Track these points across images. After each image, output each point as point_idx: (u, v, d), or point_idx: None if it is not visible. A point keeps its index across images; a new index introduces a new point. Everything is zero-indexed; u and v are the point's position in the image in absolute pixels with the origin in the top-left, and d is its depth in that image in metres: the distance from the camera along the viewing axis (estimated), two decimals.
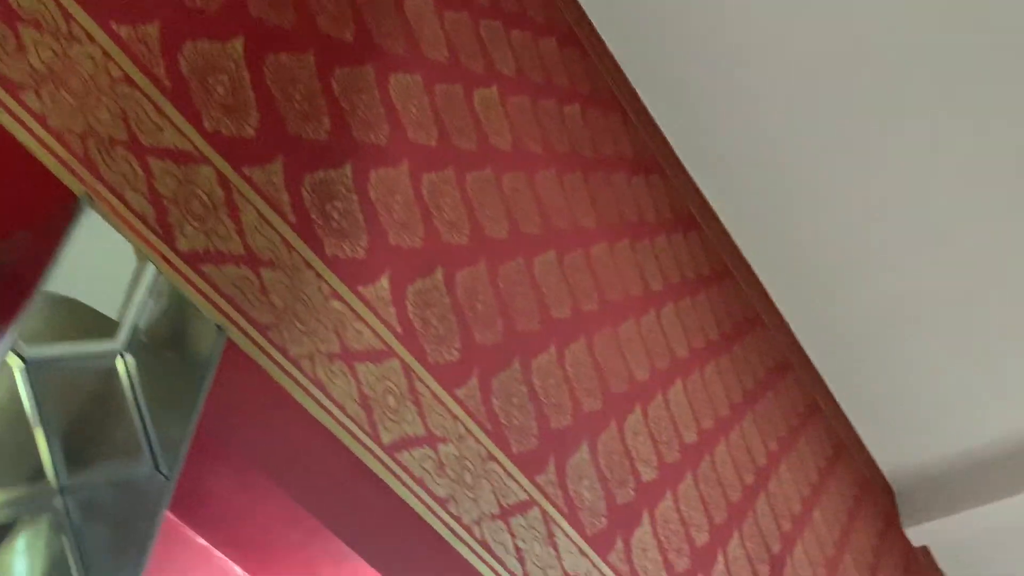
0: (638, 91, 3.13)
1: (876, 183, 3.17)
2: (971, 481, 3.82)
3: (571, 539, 1.83)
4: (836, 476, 3.41)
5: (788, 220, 3.30)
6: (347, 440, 1.43)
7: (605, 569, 1.89)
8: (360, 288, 1.57)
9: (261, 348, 1.35)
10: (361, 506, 1.49)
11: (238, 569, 1.57)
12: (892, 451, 3.87)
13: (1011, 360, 3.52)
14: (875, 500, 3.74)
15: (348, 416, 1.45)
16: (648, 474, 2.22)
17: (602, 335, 2.29)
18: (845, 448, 3.66)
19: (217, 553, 1.55)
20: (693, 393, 2.63)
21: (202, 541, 1.52)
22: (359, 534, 1.52)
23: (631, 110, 3.05)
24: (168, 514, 1.31)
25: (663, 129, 3.18)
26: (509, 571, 1.63)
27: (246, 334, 1.34)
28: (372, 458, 1.46)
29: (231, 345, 1.31)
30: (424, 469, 1.55)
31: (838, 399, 3.73)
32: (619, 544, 1.97)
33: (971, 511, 3.73)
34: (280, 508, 1.45)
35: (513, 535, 1.68)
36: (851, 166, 3.14)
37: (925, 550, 4.05)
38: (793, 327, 3.57)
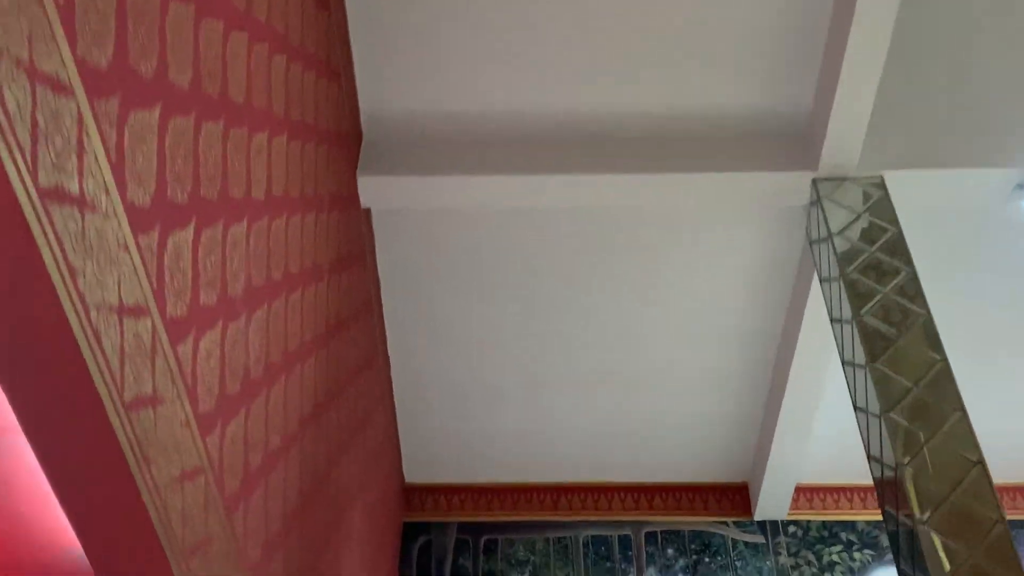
0: None
1: None
2: (439, 149, 3.43)
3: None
4: (311, 73, 2.84)
5: None
6: None
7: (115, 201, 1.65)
8: None
9: None
10: None
11: None
12: (379, 89, 3.34)
13: (533, 35, 3.19)
14: (347, 137, 3.32)
15: None
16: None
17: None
18: (338, 64, 3.15)
19: None
20: None
21: None
22: None
23: None
24: None
25: None
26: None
27: None
28: None
29: None
30: None
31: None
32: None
33: (424, 178, 3.41)
34: None
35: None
36: None
37: (368, 212, 3.66)
38: None
